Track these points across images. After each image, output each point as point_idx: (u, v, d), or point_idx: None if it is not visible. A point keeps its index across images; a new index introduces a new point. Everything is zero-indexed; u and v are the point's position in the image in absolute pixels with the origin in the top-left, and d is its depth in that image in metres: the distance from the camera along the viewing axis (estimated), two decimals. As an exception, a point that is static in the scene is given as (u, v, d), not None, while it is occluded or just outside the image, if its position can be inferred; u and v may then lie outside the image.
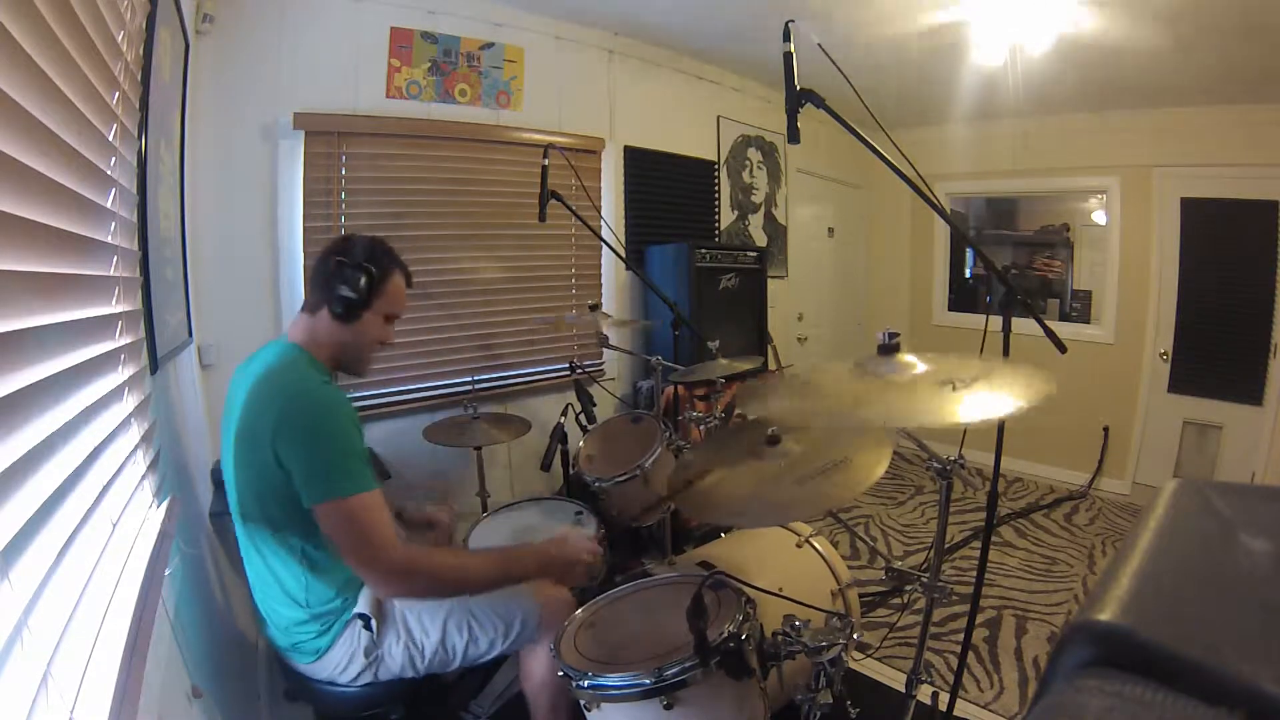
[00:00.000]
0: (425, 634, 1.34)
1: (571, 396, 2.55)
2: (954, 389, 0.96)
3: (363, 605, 1.31)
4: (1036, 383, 0.96)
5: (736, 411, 2.21)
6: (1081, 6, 2.47)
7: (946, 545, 1.42)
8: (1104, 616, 0.39)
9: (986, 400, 0.93)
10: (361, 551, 1.18)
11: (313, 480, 1.17)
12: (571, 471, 2.37)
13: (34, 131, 0.71)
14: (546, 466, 2.23)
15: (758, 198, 3.99)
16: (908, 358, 1.09)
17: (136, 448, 1.09)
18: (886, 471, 1.26)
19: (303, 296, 2.21)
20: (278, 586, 1.27)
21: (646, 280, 2.56)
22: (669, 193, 3.43)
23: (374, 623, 1.30)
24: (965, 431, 1.12)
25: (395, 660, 1.32)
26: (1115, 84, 3.34)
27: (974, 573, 1.45)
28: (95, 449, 0.86)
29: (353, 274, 1.32)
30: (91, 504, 0.83)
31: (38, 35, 0.72)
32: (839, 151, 4.49)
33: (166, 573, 1.00)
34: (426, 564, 1.25)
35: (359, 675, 1.31)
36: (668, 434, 2.08)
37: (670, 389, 2.56)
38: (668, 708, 1.10)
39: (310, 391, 1.23)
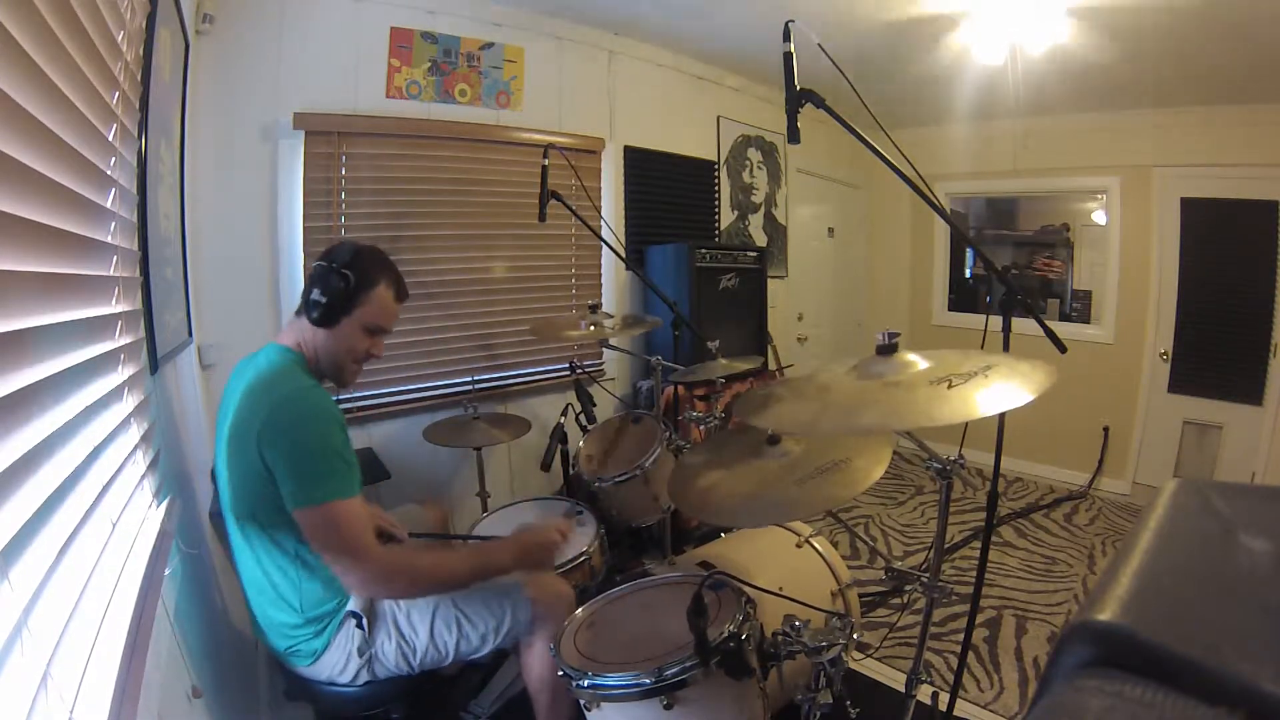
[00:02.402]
0: (414, 632, 1.35)
1: (571, 396, 2.55)
2: (949, 385, 0.97)
3: (354, 604, 1.32)
4: (1035, 375, 0.97)
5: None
6: (1069, 18, 2.49)
7: (946, 545, 1.42)
8: (1104, 616, 0.39)
9: (987, 395, 0.94)
10: (341, 556, 1.19)
11: (295, 485, 1.17)
12: (571, 471, 2.37)
13: (34, 131, 0.71)
14: (546, 466, 2.23)
15: (758, 198, 3.98)
16: (909, 356, 1.09)
17: (136, 448, 1.09)
18: (886, 471, 1.27)
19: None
20: (271, 589, 1.27)
21: (646, 280, 2.56)
22: (669, 193, 3.42)
23: (365, 621, 1.31)
24: (965, 431, 1.12)
25: (389, 658, 1.33)
26: (1114, 84, 3.34)
27: (974, 573, 1.45)
28: (95, 449, 0.86)
29: (330, 278, 1.30)
30: (91, 504, 0.83)
31: (38, 35, 0.72)
32: (839, 151, 4.49)
33: (166, 573, 1.00)
34: (404, 566, 1.27)
35: (357, 675, 1.31)
36: (668, 434, 2.08)
37: (670, 389, 2.56)
38: (668, 708, 1.11)
39: (295, 396, 1.23)
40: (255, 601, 1.31)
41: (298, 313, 1.37)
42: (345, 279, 1.31)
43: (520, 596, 1.42)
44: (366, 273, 1.34)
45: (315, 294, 1.31)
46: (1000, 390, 0.95)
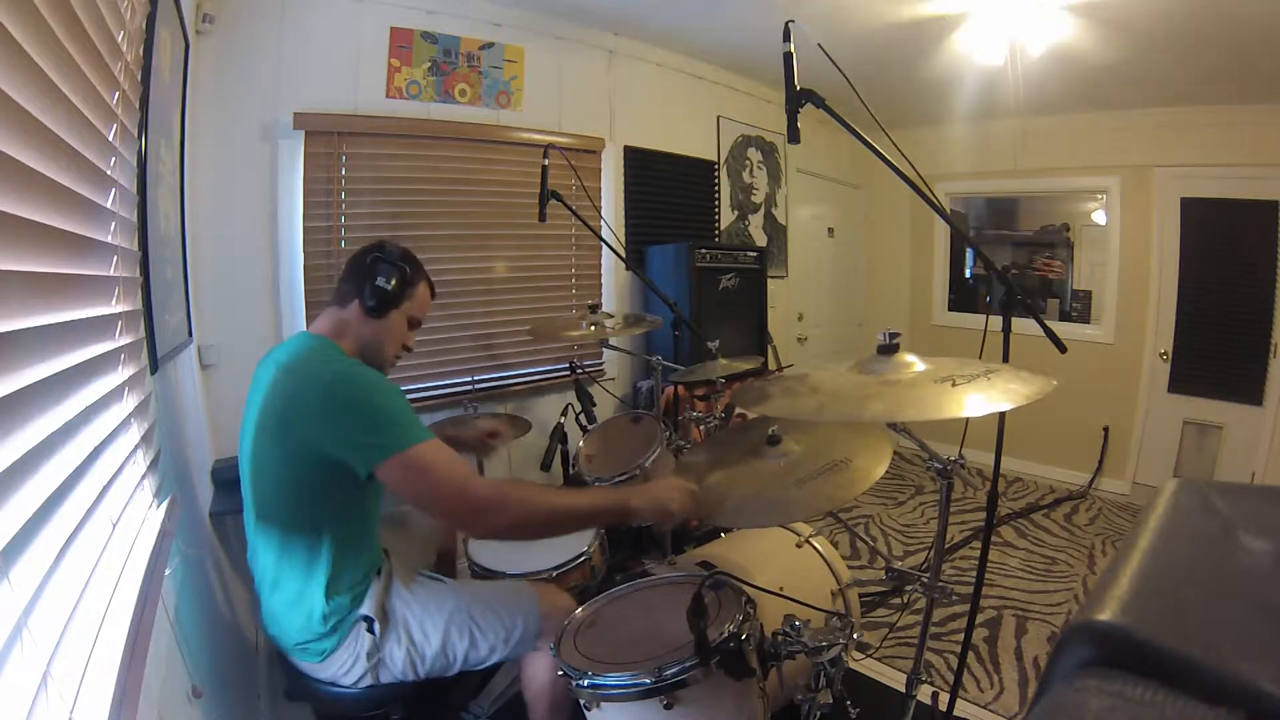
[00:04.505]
0: (426, 639, 1.34)
1: (571, 396, 2.55)
2: (953, 384, 0.97)
3: (367, 607, 1.30)
4: (1036, 381, 0.97)
5: (736, 411, 2.21)
6: (1067, 13, 2.49)
7: (946, 545, 1.42)
8: (1104, 616, 0.39)
9: (988, 396, 0.94)
10: (442, 496, 1.17)
11: (370, 444, 1.16)
12: (571, 471, 2.37)
13: (34, 131, 0.71)
14: (546, 466, 2.23)
15: (758, 198, 3.99)
16: (908, 357, 1.10)
17: (136, 448, 1.09)
18: (886, 471, 1.26)
19: (307, 298, 2.22)
20: (293, 582, 1.25)
21: (646, 280, 2.56)
22: (669, 193, 3.42)
23: (377, 626, 1.30)
24: (965, 431, 1.12)
25: (396, 664, 1.32)
26: (1114, 83, 3.34)
27: (974, 573, 1.45)
28: (95, 449, 0.86)
29: (388, 270, 1.37)
30: (91, 504, 0.83)
31: (38, 35, 0.72)
32: (839, 151, 4.49)
33: (166, 573, 1.00)
34: (516, 494, 1.23)
35: (361, 678, 1.31)
36: (668, 434, 2.08)
37: (670, 389, 2.56)
38: (668, 708, 1.10)
39: (349, 370, 1.24)
40: (269, 595, 1.29)
41: (341, 303, 1.39)
42: (403, 272, 1.38)
43: (533, 609, 1.41)
44: (416, 269, 1.43)
45: (378, 281, 1.35)
46: (1001, 391, 0.95)
